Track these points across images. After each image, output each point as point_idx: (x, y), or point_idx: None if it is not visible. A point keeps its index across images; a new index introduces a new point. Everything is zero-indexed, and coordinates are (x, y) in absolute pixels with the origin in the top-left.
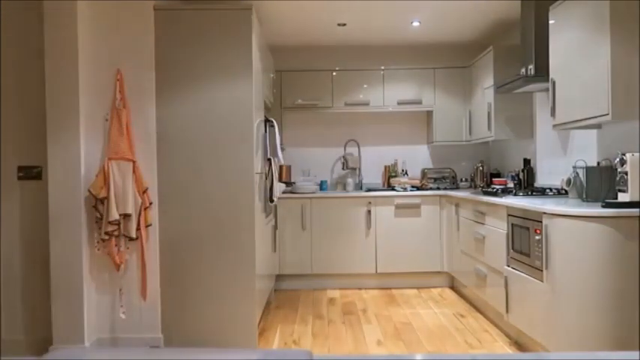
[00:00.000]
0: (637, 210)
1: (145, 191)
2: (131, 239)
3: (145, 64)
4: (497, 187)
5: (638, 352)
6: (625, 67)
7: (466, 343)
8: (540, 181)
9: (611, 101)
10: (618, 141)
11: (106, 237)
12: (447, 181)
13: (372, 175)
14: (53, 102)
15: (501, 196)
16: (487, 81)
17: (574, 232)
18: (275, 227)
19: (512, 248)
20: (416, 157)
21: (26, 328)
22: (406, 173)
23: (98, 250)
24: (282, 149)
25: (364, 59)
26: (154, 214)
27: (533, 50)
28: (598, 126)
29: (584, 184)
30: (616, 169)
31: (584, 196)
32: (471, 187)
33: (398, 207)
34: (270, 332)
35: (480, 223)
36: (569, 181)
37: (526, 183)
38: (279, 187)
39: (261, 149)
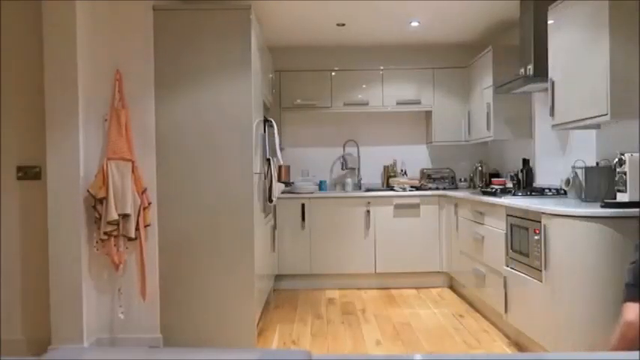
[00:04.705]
0: (636, 210)
1: (143, 191)
2: (130, 239)
3: (144, 64)
4: (496, 187)
5: (638, 352)
6: (624, 67)
7: (465, 343)
8: (539, 181)
9: (610, 101)
10: (617, 141)
11: (105, 237)
12: (446, 181)
13: (371, 175)
14: (52, 102)
15: (500, 196)
16: (486, 81)
17: (573, 232)
18: (274, 227)
19: (511, 248)
20: (415, 157)
21: (25, 328)
22: (405, 173)
23: (97, 250)
24: (281, 149)
25: (363, 59)
26: (152, 214)
27: (532, 50)
28: (597, 126)
29: (583, 185)
30: (615, 170)
31: (583, 197)
32: (470, 187)
33: (397, 207)
34: (269, 332)
35: (479, 223)
36: (568, 181)
37: (525, 183)
38: (278, 187)
39: (260, 149)
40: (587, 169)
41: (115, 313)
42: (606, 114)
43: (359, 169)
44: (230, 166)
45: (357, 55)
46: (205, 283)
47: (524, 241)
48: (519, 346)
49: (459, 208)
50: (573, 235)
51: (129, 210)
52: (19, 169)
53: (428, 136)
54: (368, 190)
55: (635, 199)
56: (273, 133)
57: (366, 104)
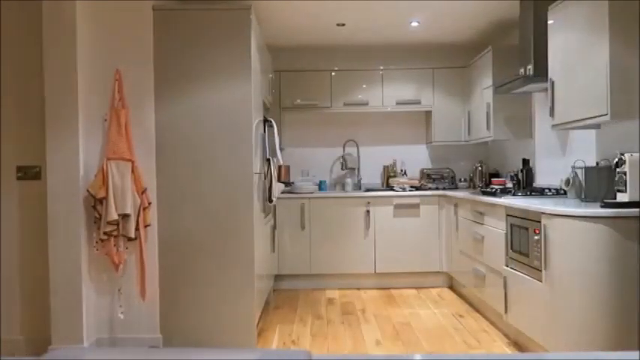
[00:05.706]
0: (636, 210)
1: (143, 191)
2: (130, 239)
3: (143, 64)
4: (496, 187)
5: (637, 352)
6: (624, 67)
7: (465, 343)
8: (539, 181)
9: (610, 101)
10: (617, 141)
11: (105, 237)
12: (446, 181)
13: (371, 175)
14: (52, 102)
15: (500, 196)
16: (486, 81)
17: (573, 232)
18: (274, 227)
19: (511, 248)
20: (415, 157)
21: (25, 328)
22: (405, 173)
23: (97, 250)
24: (281, 149)
25: (363, 59)
26: (152, 214)
27: (532, 50)
28: (597, 126)
29: (583, 185)
30: (615, 170)
31: (582, 197)
32: (469, 187)
33: (397, 207)
34: (269, 332)
35: (478, 223)
36: (567, 182)
37: (525, 183)
38: (278, 187)
39: (260, 149)
40: (587, 169)
41: (114, 313)
42: (606, 114)
43: (359, 169)
44: (230, 166)
45: (357, 55)
46: (205, 283)
47: (524, 241)
48: (519, 346)
49: (458, 208)
50: (573, 235)
51: (129, 210)
52: (19, 169)
53: (428, 136)
54: (368, 190)
55: (635, 199)
56: (273, 133)
57: (366, 104)
